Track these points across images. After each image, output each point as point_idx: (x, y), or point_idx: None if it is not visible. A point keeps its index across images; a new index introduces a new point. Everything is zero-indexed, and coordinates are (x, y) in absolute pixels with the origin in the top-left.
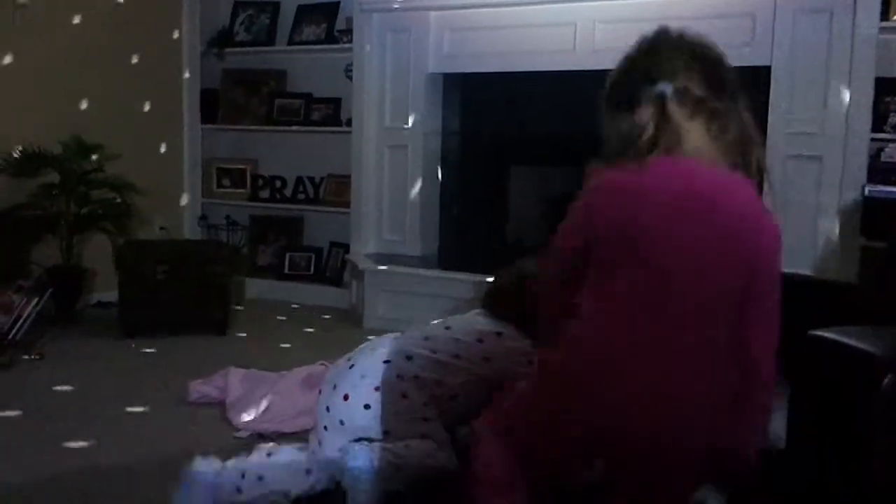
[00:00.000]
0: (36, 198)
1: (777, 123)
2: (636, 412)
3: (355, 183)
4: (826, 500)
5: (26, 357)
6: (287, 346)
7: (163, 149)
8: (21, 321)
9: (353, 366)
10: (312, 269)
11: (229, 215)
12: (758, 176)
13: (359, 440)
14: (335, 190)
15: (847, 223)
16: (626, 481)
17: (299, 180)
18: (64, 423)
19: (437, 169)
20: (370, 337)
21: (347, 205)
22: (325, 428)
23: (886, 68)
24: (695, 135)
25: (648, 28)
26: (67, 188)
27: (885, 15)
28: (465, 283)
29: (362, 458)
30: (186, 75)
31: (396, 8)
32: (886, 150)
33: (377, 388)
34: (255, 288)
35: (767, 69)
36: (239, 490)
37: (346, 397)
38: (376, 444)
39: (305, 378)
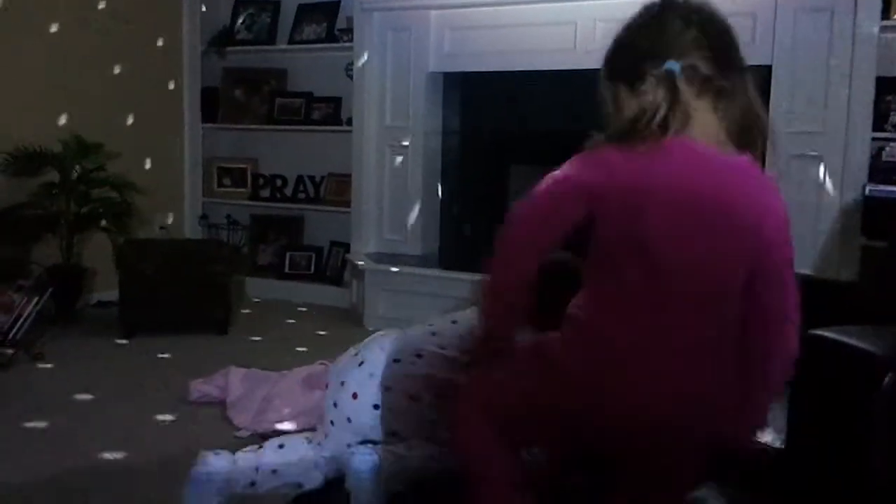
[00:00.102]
0: (36, 197)
1: (778, 123)
2: (637, 411)
3: (356, 182)
4: (827, 499)
5: (26, 356)
6: (287, 345)
7: (163, 148)
8: (21, 321)
9: (362, 363)
10: (313, 268)
11: (230, 214)
12: (761, 151)
13: (363, 442)
14: (336, 189)
15: (848, 222)
16: (626, 478)
17: (300, 179)
18: (64, 422)
19: (437, 168)
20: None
21: (348, 204)
22: (332, 423)
23: (887, 67)
24: (702, 114)
25: None
26: (68, 187)
27: (885, 14)
28: (465, 282)
29: (367, 462)
30: (187, 74)
31: (397, 7)
32: (887, 149)
33: (388, 389)
34: (256, 287)
35: (768, 68)
36: (253, 484)
37: (354, 395)
38: (380, 448)
39: (306, 378)
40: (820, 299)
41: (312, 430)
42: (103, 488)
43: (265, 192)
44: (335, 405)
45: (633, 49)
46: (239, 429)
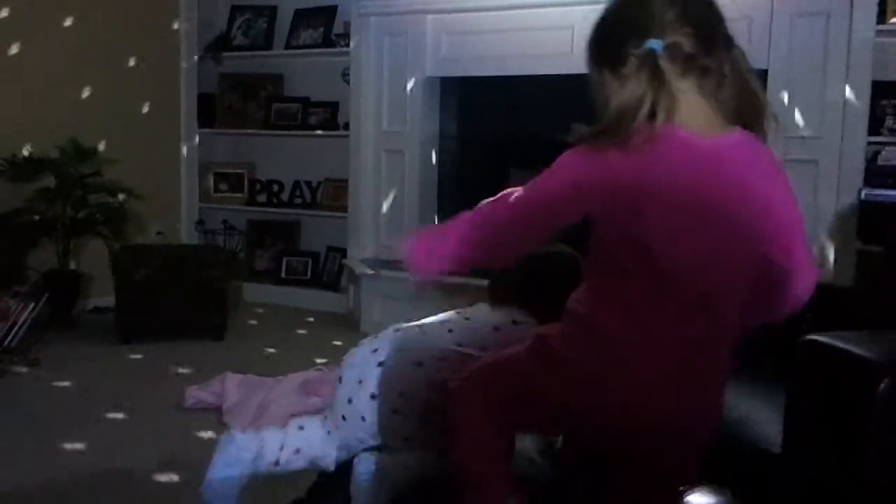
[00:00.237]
0: (33, 202)
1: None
2: (640, 410)
3: (353, 187)
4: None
5: (22, 362)
6: (283, 351)
7: (160, 153)
8: (17, 326)
9: (381, 363)
10: (309, 273)
11: (226, 220)
12: (762, 127)
13: (372, 448)
14: (332, 194)
15: (843, 227)
16: (628, 478)
17: (296, 184)
18: (60, 427)
19: (434, 173)
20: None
21: (345, 209)
22: (344, 418)
23: (883, 71)
24: (688, 95)
25: None
26: (64, 192)
27: (881, 18)
28: (461, 288)
29: (371, 469)
30: (184, 80)
31: (394, 12)
32: (883, 153)
33: (402, 394)
34: (253, 292)
35: (764, 72)
36: (277, 462)
37: (372, 396)
38: (385, 456)
39: (302, 384)
40: (816, 304)
41: (328, 413)
42: (98, 493)
43: (262, 198)
44: (350, 401)
45: (614, 29)
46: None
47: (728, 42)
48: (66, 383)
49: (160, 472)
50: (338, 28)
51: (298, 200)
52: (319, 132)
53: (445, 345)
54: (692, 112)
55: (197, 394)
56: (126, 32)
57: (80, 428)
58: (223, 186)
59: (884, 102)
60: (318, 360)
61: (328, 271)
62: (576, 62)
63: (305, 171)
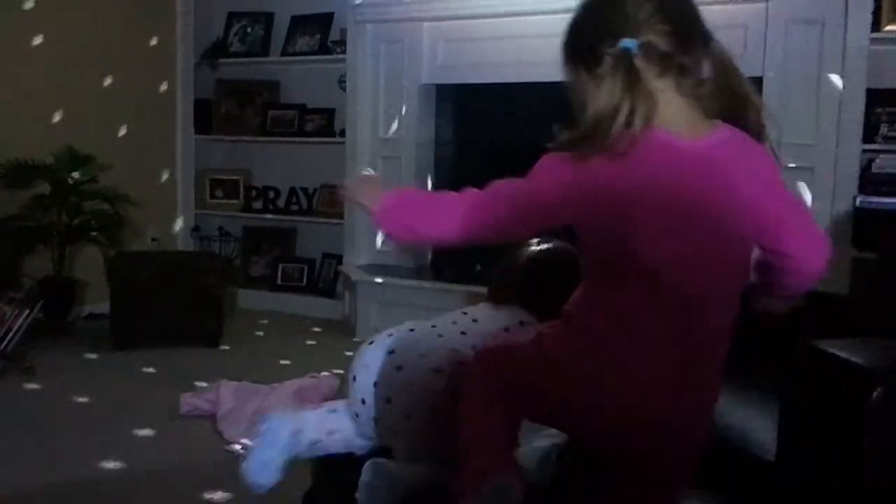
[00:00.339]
0: (28, 209)
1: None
2: (637, 412)
3: None
4: None
5: (17, 369)
6: (279, 357)
7: (156, 160)
8: (12, 333)
9: (400, 367)
10: (305, 280)
11: (222, 226)
12: (747, 120)
13: (379, 452)
14: (328, 201)
15: (838, 234)
16: (626, 478)
17: (292, 191)
18: (54, 434)
19: (430, 180)
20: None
21: (341, 216)
22: (357, 415)
23: (877, 79)
24: (667, 94)
25: None
26: (59, 199)
27: (875, 26)
28: (458, 294)
29: (378, 477)
30: (180, 86)
31: (390, 19)
32: (877, 160)
33: (422, 400)
34: (248, 299)
35: (759, 80)
36: (316, 443)
37: (388, 400)
38: (392, 463)
39: (297, 391)
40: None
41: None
42: (92, 499)
43: (258, 204)
44: (363, 402)
45: (588, 29)
46: (230, 442)
47: (706, 38)
48: (61, 390)
49: (150, 479)
50: (334, 35)
51: (294, 207)
52: (316, 139)
53: (462, 348)
54: (672, 112)
55: (192, 401)
56: (122, 38)
57: (77, 433)
58: (219, 193)
59: (878, 110)
60: (314, 367)
61: (324, 278)
62: None
63: (301, 177)
